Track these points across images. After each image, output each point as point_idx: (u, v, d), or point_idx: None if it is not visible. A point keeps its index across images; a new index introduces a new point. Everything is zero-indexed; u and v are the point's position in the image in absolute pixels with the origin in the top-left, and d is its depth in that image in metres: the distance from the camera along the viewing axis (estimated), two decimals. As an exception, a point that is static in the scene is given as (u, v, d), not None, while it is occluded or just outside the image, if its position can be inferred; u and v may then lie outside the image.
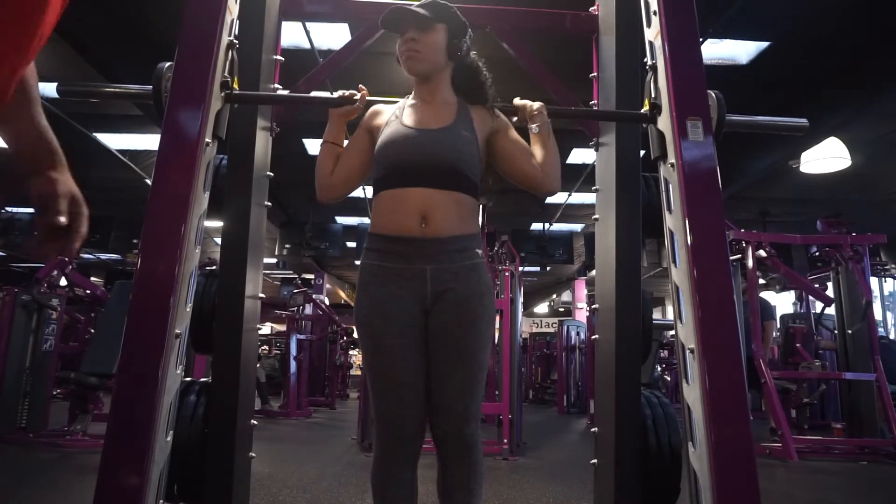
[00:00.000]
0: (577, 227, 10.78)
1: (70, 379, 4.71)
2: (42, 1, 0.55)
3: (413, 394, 1.44)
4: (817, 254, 6.01)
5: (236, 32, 1.81)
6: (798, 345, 5.77)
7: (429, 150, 1.48)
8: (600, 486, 1.93)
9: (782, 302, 8.73)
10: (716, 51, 5.04)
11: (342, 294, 17.41)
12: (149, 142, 6.92)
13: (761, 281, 6.21)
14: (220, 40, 1.66)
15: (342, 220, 10.43)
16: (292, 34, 4.79)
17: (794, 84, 5.41)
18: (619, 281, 1.89)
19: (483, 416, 4.00)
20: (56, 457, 4.06)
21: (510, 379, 4.72)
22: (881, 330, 8.78)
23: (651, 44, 1.80)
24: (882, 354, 5.15)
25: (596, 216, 2.08)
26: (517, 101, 1.66)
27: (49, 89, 5.71)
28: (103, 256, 12.07)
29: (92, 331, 6.25)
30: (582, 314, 13.40)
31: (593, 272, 2.44)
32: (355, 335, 12.10)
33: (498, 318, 4.67)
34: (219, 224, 1.94)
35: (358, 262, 1.55)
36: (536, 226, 10.22)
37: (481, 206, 4.46)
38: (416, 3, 1.55)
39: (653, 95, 1.74)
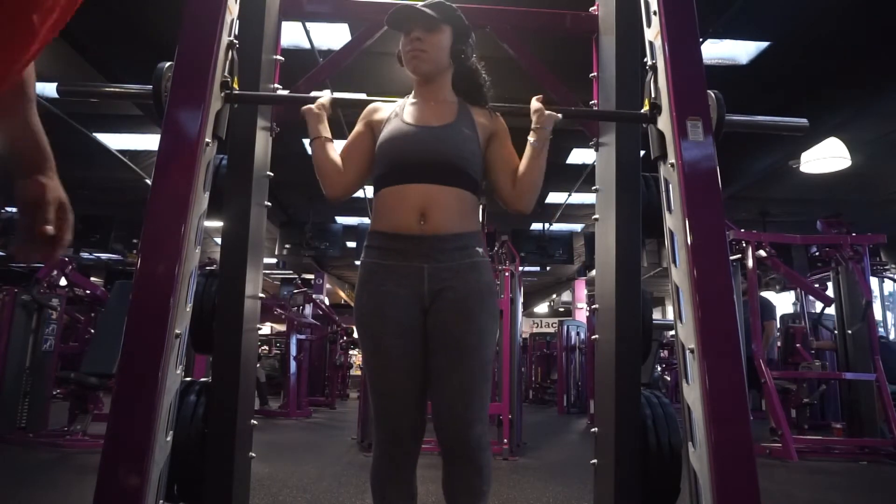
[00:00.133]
0: (577, 227, 10.78)
1: (70, 379, 4.71)
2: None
3: (410, 396, 1.43)
4: (817, 254, 6.01)
5: (236, 32, 1.81)
6: (798, 345, 5.77)
7: (430, 147, 1.47)
8: (600, 486, 1.93)
9: (782, 302, 8.73)
10: (716, 51, 5.04)
11: (342, 294, 17.41)
12: (149, 142, 6.92)
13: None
14: (220, 40, 1.66)
15: (342, 220, 10.43)
16: (292, 34, 4.79)
17: (794, 84, 5.41)
18: (619, 281, 1.89)
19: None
20: (56, 457, 4.06)
21: (510, 379, 4.72)
22: (881, 330, 8.78)
23: (651, 44, 1.79)
24: (882, 354, 5.15)
25: (596, 216, 2.08)
26: (535, 103, 1.58)
27: (49, 89, 5.73)
28: (103, 256, 12.07)
29: (92, 331, 6.26)
30: (582, 314, 13.40)
31: (593, 272, 2.44)
32: (355, 335, 12.14)
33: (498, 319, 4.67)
34: (219, 224, 1.93)
35: (358, 262, 1.55)
36: (536, 226, 10.23)
37: (481, 206, 4.46)
38: (422, 2, 1.54)
39: (653, 95, 1.74)
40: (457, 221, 1.46)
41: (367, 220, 10.24)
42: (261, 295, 2.03)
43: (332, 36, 4.98)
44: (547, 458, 4.64)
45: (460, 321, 1.41)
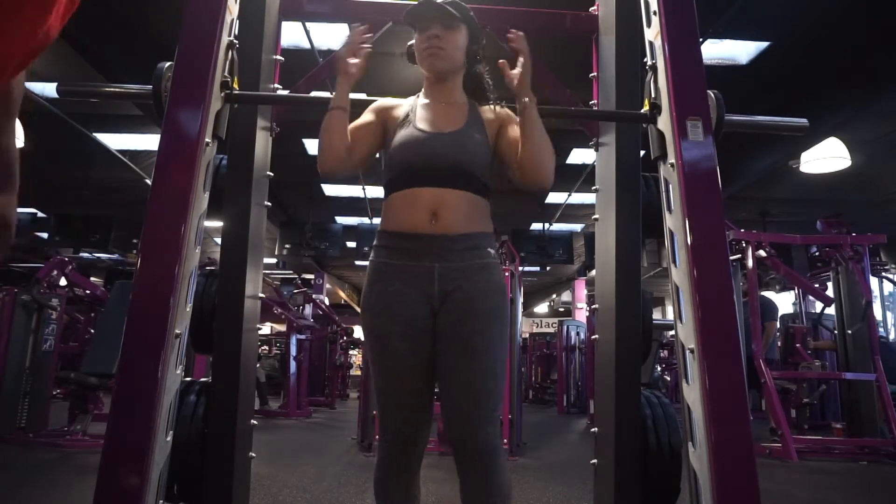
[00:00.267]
0: (577, 227, 10.78)
1: (70, 379, 4.72)
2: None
3: (416, 398, 1.42)
4: (817, 254, 6.02)
5: (236, 32, 1.81)
6: (798, 345, 5.77)
7: (440, 153, 1.45)
8: (600, 486, 1.93)
9: (782, 302, 8.73)
10: (716, 51, 5.03)
11: (342, 294, 17.41)
12: (149, 142, 6.91)
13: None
14: (220, 40, 1.66)
15: (342, 220, 10.43)
16: (292, 34, 4.79)
17: (794, 84, 5.41)
18: (619, 281, 1.89)
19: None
20: (56, 457, 4.06)
21: (510, 379, 4.72)
22: (881, 330, 8.78)
23: (651, 44, 1.79)
24: (882, 354, 5.15)
25: (596, 216, 2.08)
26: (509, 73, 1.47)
27: (49, 89, 5.73)
28: (103, 256, 12.08)
29: (92, 331, 6.26)
30: (582, 314, 13.40)
31: (593, 272, 2.44)
32: (356, 335, 12.18)
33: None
34: (219, 224, 1.93)
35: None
36: (536, 226, 10.23)
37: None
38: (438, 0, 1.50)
39: (653, 95, 1.74)
40: (468, 222, 1.44)
41: (366, 221, 10.25)
42: (261, 295, 2.03)
43: (332, 36, 4.98)
44: (547, 458, 4.64)
45: (469, 321, 1.39)
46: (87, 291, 6.01)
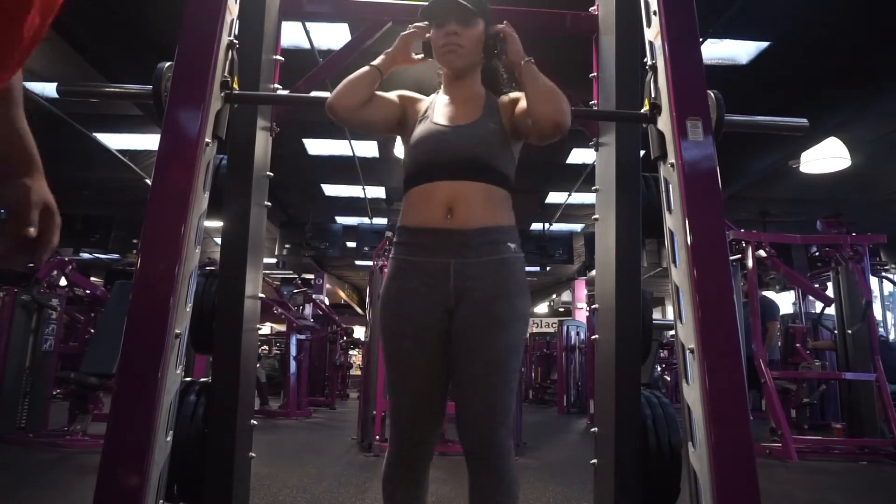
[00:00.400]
0: (577, 227, 10.78)
1: (70, 379, 4.71)
2: None
3: (426, 400, 1.40)
4: (817, 254, 6.02)
5: (236, 32, 1.81)
6: (798, 345, 5.78)
7: (456, 146, 1.44)
8: (600, 486, 1.93)
9: (782, 302, 8.73)
10: (716, 51, 5.04)
11: (342, 294, 17.41)
12: (149, 142, 6.92)
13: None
14: (220, 40, 1.66)
15: (342, 220, 10.44)
16: (292, 34, 4.79)
17: (794, 84, 5.41)
18: (619, 281, 1.89)
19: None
20: (56, 457, 4.06)
21: (510, 379, 4.72)
22: (881, 330, 8.78)
23: (651, 44, 1.79)
24: (882, 354, 5.15)
25: (596, 216, 2.08)
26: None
27: (49, 89, 5.73)
28: (103, 256, 12.08)
29: (92, 331, 6.26)
30: (582, 314, 13.40)
31: (593, 272, 2.44)
32: (355, 335, 12.16)
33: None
34: (219, 224, 1.93)
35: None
36: (536, 226, 10.23)
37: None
38: None
39: (653, 95, 1.74)
40: (485, 215, 1.40)
41: (366, 221, 10.26)
42: (261, 295, 2.03)
43: (332, 36, 4.98)
44: (547, 458, 4.64)
45: (485, 326, 1.35)
46: (87, 291, 6.01)
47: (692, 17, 1.75)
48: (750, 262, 5.31)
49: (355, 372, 13.37)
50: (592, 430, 2.00)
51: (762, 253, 5.39)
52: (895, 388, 5.11)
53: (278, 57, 2.16)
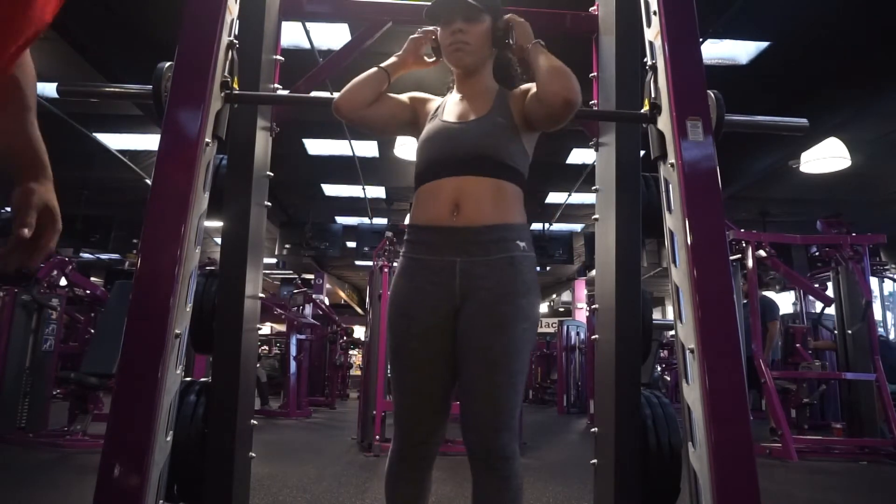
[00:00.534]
0: (577, 227, 10.78)
1: (70, 379, 4.71)
2: None
3: (429, 401, 1.40)
4: (817, 254, 6.02)
5: (236, 32, 1.81)
6: (798, 345, 5.78)
7: (462, 141, 1.43)
8: (600, 486, 1.93)
9: (782, 302, 8.74)
10: (716, 51, 5.04)
11: (342, 294, 17.41)
12: (149, 142, 6.92)
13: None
14: (220, 40, 1.66)
15: (342, 220, 10.44)
16: (292, 34, 4.79)
17: (794, 84, 5.41)
18: (619, 281, 1.89)
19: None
20: (56, 457, 4.06)
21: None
22: (881, 330, 8.78)
23: (651, 44, 1.79)
24: (882, 354, 5.15)
25: (596, 216, 2.08)
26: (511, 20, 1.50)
27: (49, 89, 5.73)
28: (103, 256, 12.08)
29: (92, 331, 6.26)
30: (582, 314, 13.41)
31: (593, 272, 2.44)
32: (355, 335, 12.15)
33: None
34: (219, 224, 1.93)
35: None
36: (536, 226, 10.23)
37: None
38: None
39: (653, 95, 1.74)
40: (493, 212, 1.37)
41: (366, 221, 10.26)
42: (261, 295, 2.03)
43: (332, 36, 4.98)
44: (547, 458, 4.64)
45: (489, 326, 1.32)
46: (87, 291, 6.02)
47: (692, 17, 1.74)
48: (750, 262, 5.31)
49: (355, 372, 13.37)
50: (592, 430, 1.99)
51: (762, 253, 5.39)
52: (895, 388, 5.11)
53: (278, 57, 2.16)
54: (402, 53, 1.59)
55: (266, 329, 13.45)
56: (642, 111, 1.78)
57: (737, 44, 5.02)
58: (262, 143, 2.02)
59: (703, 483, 1.39)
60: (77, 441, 4.45)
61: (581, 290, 14.32)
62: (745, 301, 5.37)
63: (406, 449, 1.43)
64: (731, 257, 5.25)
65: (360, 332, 13.37)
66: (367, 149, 7.37)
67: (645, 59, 1.81)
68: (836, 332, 5.72)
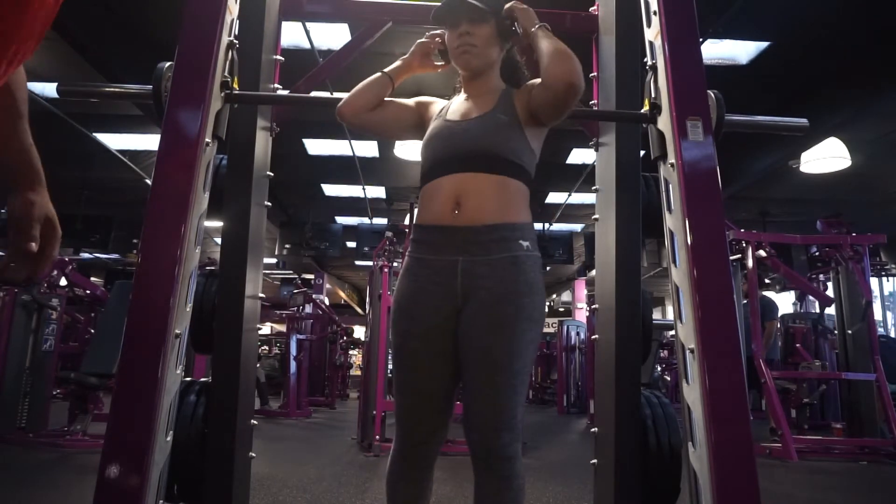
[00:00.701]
0: (577, 227, 10.78)
1: (70, 379, 4.71)
2: None
3: (430, 401, 1.40)
4: (817, 254, 6.02)
5: (236, 32, 1.81)
6: (798, 345, 5.77)
7: (463, 138, 1.42)
8: (600, 486, 1.93)
9: (782, 302, 8.74)
10: (716, 51, 5.04)
11: (342, 294, 17.41)
12: (149, 142, 6.92)
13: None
14: (220, 40, 1.66)
15: (342, 220, 10.44)
16: (292, 34, 4.79)
17: (794, 84, 5.41)
18: (619, 281, 1.89)
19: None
20: (56, 457, 4.06)
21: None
22: (881, 329, 8.78)
23: (651, 44, 1.79)
24: (882, 354, 5.16)
25: (596, 216, 2.08)
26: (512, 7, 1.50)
27: (49, 89, 5.72)
28: (103, 256, 12.07)
29: (92, 331, 6.26)
30: (582, 314, 13.40)
31: (593, 272, 2.44)
32: (355, 335, 12.15)
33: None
34: (219, 224, 1.94)
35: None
36: (536, 226, 10.16)
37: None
38: None
39: (653, 95, 1.74)
40: (495, 211, 1.36)
41: (366, 221, 10.26)
42: (261, 295, 2.03)
43: (332, 36, 4.98)
44: (547, 458, 4.64)
45: (492, 328, 1.31)
46: (87, 291, 6.01)
47: (692, 17, 1.75)
48: (750, 262, 5.31)
49: (355, 372, 13.37)
50: (592, 430, 2.00)
51: (762, 253, 5.39)
52: (895, 388, 5.11)
53: (278, 57, 2.16)
54: (408, 57, 1.60)
55: (266, 329, 13.45)
56: (642, 111, 1.78)
57: (737, 44, 5.02)
58: (262, 143, 2.02)
59: (703, 483, 1.39)
60: (77, 441, 4.45)
61: (581, 290, 14.32)
62: (745, 301, 5.37)
63: (407, 449, 1.43)
64: (731, 257, 5.25)
65: (360, 332, 13.38)
66: (368, 149, 7.37)
67: (645, 59, 1.82)
68: (836, 331, 5.72)
